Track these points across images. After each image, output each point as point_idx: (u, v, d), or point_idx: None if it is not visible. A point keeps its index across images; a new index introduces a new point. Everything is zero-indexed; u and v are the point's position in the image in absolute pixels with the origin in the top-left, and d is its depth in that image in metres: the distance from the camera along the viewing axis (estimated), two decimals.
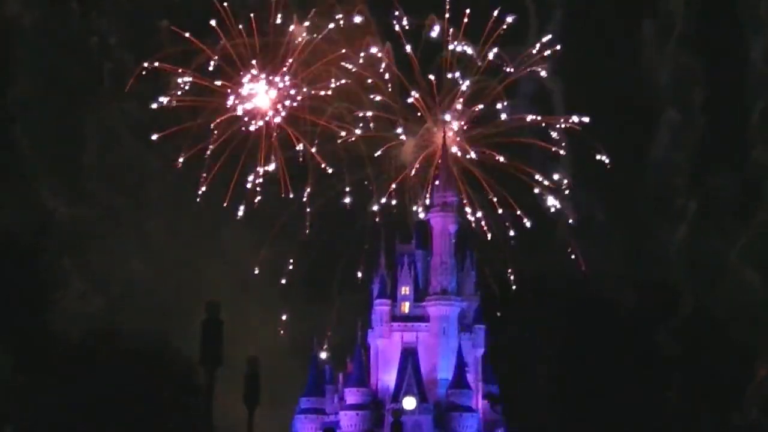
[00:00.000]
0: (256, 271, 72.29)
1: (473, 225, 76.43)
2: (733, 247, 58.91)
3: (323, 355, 71.56)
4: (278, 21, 76.52)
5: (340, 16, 76.16)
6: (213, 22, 75.19)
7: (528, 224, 74.09)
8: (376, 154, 77.73)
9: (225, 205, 73.74)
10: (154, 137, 67.84)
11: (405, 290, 71.31)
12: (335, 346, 72.70)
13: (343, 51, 76.32)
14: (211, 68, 75.81)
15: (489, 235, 76.72)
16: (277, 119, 77.32)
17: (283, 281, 72.18)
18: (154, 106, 70.23)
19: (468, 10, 77.74)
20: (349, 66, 76.59)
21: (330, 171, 76.97)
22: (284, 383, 58.64)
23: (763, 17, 57.71)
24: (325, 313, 71.63)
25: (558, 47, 73.99)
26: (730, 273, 58.41)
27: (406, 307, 71.17)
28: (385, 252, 72.53)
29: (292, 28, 76.18)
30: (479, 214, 77.11)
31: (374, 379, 70.17)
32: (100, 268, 54.71)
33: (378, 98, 77.44)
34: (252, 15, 75.99)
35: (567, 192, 69.77)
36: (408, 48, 77.94)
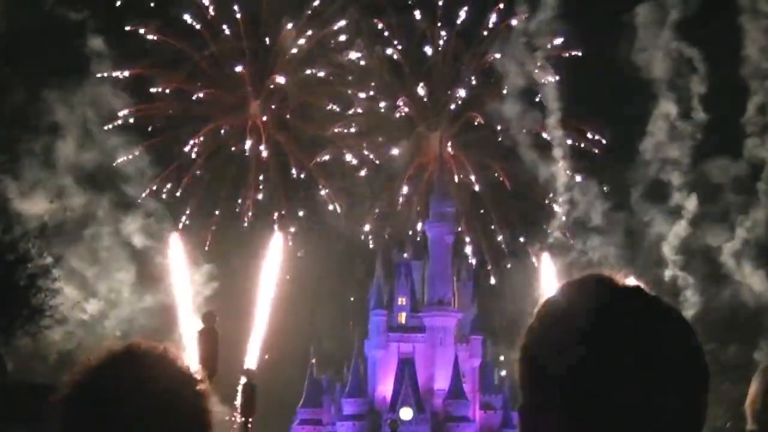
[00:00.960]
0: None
1: (474, 265, 75.97)
2: (731, 244, 58.97)
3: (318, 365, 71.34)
4: (267, 39, 75.80)
5: (342, 22, 75.39)
6: (199, 26, 74.31)
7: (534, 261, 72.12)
8: (366, 169, 77.26)
9: (213, 228, 72.99)
10: (132, 154, 65.83)
11: (402, 301, 71.28)
12: (330, 356, 72.47)
13: (335, 60, 75.83)
14: (198, 76, 74.97)
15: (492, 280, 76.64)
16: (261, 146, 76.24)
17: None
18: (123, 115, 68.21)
19: (464, 11, 77.41)
20: (340, 74, 76.15)
21: (322, 186, 76.57)
22: (279, 393, 58.38)
23: (761, 8, 57.71)
24: (319, 324, 71.40)
25: (575, 52, 72.96)
26: (728, 270, 58.52)
27: (402, 317, 71.12)
28: (382, 262, 72.46)
29: (289, 26, 75.29)
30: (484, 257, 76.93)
31: (371, 389, 70.08)
32: (82, 272, 54.25)
33: (368, 102, 76.96)
34: (240, 22, 75.40)
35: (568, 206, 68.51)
36: (397, 55, 77.81)
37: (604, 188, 63.93)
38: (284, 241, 59.87)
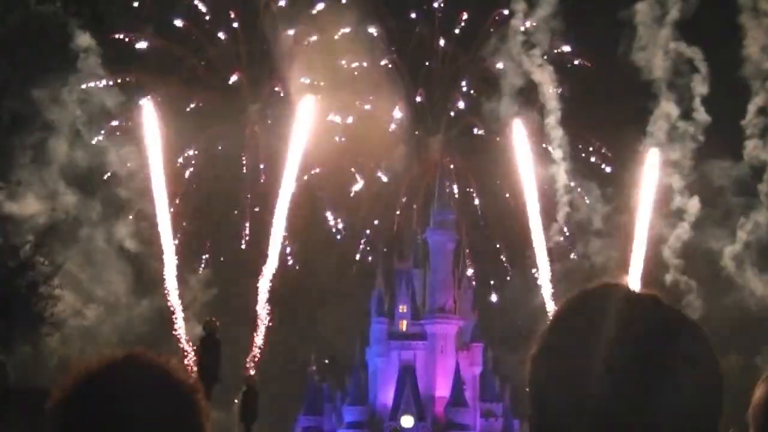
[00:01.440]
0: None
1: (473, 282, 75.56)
2: (732, 247, 58.97)
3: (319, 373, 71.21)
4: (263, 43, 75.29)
5: (341, 29, 75.02)
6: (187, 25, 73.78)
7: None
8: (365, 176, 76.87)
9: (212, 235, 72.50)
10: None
11: (403, 308, 71.21)
12: (331, 363, 72.40)
13: (334, 66, 75.47)
14: (194, 82, 74.50)
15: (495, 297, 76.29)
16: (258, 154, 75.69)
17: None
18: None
19: (465, 16, 77.22)
20: (338, 80, 75.73)
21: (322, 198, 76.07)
22: (280, 400, 58.25)
23: (761, 7, 57.52)
24: (320, 331, 71.31)
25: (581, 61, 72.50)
26: (729, 274, 58.58)
27: (403, 325, 71.04)
28: (382, 270, 72.39)
29: (293, 32, 74.88)
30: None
31: (372, 396, 70.01)
32: (77, 277, 54.03)
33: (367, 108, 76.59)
34: (237, 26, 75.14)
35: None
36: (395, 61, 77.59)
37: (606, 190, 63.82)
38: (283, 249, 59.67)
